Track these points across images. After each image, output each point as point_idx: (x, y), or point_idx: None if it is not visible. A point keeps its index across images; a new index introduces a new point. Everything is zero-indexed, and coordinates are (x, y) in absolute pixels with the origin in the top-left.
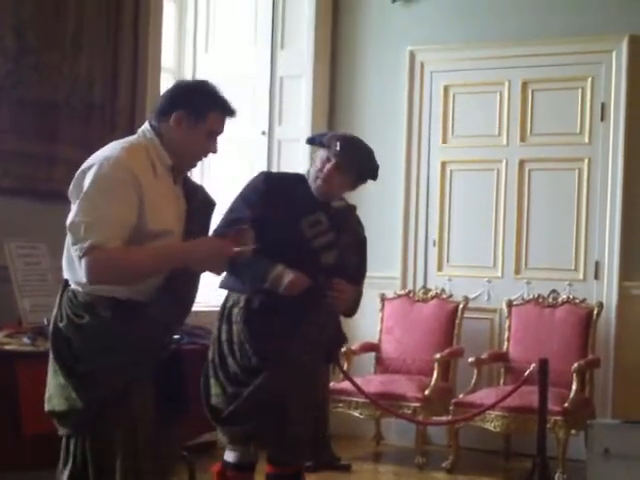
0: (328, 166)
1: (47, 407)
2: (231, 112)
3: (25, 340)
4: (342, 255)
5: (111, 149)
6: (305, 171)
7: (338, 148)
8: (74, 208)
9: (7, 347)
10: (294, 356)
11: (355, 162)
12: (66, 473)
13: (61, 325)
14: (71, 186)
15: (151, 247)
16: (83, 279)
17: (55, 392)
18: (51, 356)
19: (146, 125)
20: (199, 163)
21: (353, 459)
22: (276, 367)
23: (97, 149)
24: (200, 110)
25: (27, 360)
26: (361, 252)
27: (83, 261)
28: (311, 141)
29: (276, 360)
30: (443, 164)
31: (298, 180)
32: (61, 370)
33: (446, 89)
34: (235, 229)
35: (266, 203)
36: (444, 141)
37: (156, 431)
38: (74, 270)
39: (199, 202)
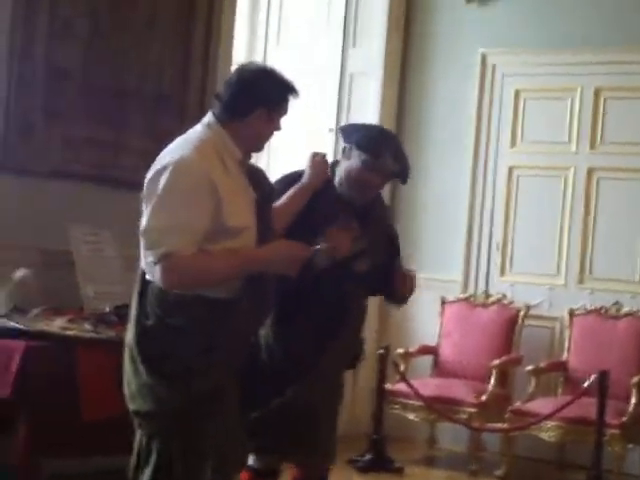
0: (376, 181)
1: (131, 407)
2: (297, 92)
3: (87, 326)
4: (375, 259)
5: (182, 148)
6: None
7: (393, 167)
8: (147, 212)
9: (68, 333)
10: (324, 366)
11: (405, 174)
12: (148, 473)
13: (148, 324)
14: (145, 188)
15: (226, 253)
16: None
17: (139, 392)
18: (131, 355)
19: (211, 118)
20: (266, 158)
21: (406, 462)
22: (307, 378)
23: (165, 139)
24: (279, 103)
25: (88, 346)
26: (393, 242)
27: (157, 268)
28: (351, 139)
29: (308, 370)
30: (510, 169)
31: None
32: (149, 370)
33: (517, 93)
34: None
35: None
36: (512, 145)
37: (240, 426)
38: (155, 269)
39: (264, 187)
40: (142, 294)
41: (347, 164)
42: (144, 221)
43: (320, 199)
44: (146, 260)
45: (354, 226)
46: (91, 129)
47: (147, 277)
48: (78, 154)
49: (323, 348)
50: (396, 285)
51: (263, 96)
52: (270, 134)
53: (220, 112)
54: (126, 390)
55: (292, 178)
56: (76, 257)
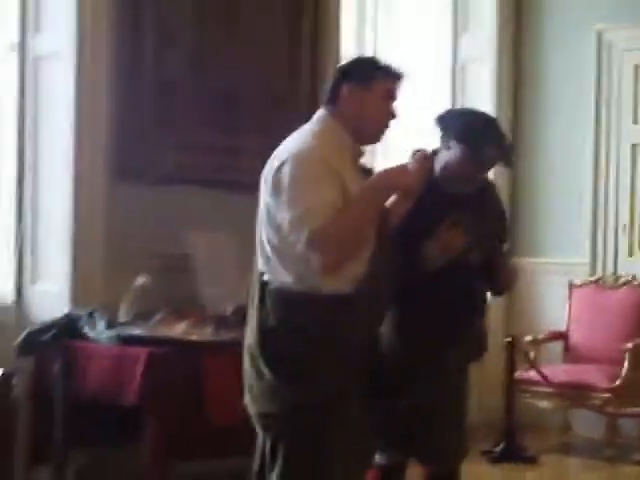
0: (478, 171)
1: (255, 408)
2: (396, 74)
3: (208, 330)
4: (487, 249)
5: (298, 142)
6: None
7: (494, 155)
8: (282, 208)
9: (191, 337)
10: (448, 362)
11: (508, 158)
12: (275, 475)
13: (269, 326)
14: (267, 185)
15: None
16: (284, 275)
17: (263, 394)
18: (252, 358)
19: (322, 112)
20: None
21: (540, 451)
22: (433, 375)
23: (279, 139)
24: (365, 75)
25: (210, 350)
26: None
27: (311, 254)
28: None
29: (433, 367)
30: (633, 146)
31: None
32: (273, 372)
33: (637, 68)
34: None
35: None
36: (635, 122)
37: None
38: (278, 270)
39: None
40: (261, 297)
41: (447, 155)
42: (281, 218)
43: (426, 196)
44: (268, 253)
45: (462, 220)
46: (205, 134)
47: (265, 278)
48: (193, 159)
49: (447, 344)
50: (501, 275)
51: (346, 73)
52: (379, 115)
53: (325, 104)
54: (247, 393)
55: None
56: (195, 260)
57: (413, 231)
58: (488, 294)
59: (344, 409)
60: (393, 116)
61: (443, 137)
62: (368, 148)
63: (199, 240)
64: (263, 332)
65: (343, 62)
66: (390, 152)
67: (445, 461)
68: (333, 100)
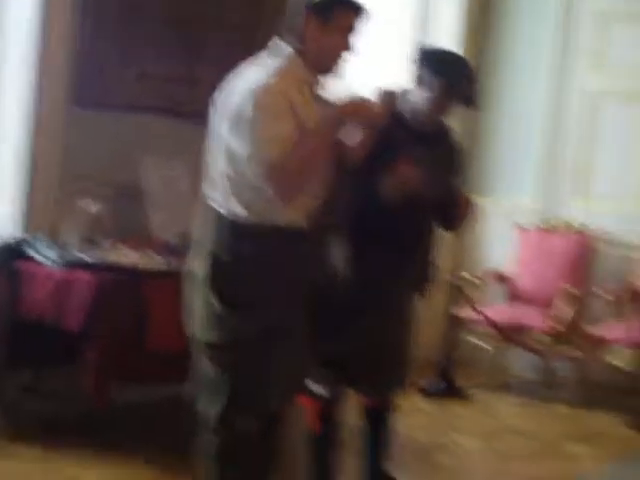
0: (451, 106)
1: (202, 337)
2: (357, 7)
3: (154, 257)
4: (442, 184)
5: (261, 75)
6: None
7: (469, 92)
8: (242, 140)
9: (136, 264)
10: (400, 295)
11: (478, 98)
12: (218, 403)
13: (218, 254)
14: (229, 118)
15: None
16: (236, 205)
17: (210, 323)
18: (201, 286)
19: (278, 42)
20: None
21: (475, 388)
22: (382, 308)
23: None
24: (325, 7)
25: (155, 277)
26: (458, 164)
27: (269, 184)
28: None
29: (380, 301)
30: (591, 92)
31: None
32: (220, 301)
33: (600, 14)
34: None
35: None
36: (594, 68)
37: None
38: (230, 199)
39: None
40: (213, 225)
41: (422, 91)
42: (242, 149)
43: (389, 132)
44: (226, 184)
45: (423, 157)
46: (164, 64)
47: (221, 211)
48: (152, 88)
49: (397, 277)
50: (457, 208)
51: (311, 5)
52: (336, 48)
53: (285, 36)
54: (192, 321)
55: None
56: (146, 188)
57: (375, 166)
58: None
59: (288, 339)
60: (351, 50)
61: (418, 73)
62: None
63: (153, 168)
64: (214, 262)
65: None
66: (353, 87)
67: (386, 393)
68: (294, 33)
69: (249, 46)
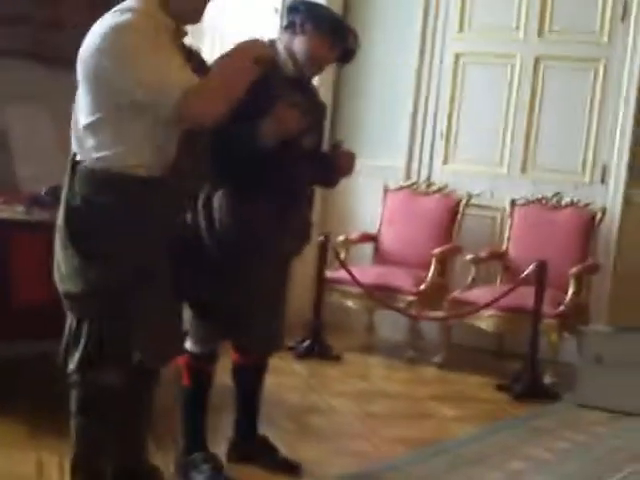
0: (330, 58)
1: (61, 289)
2: None
3: (20, 209)
4: (319, 136)
5: (116, 17)
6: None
7: (354, 46)
8: (124, 73)
9: (1, 215)
10: (281, 249)
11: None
12: (77, 355)
13: (75, 204)
14: (84, 61)
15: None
16: (94, 154)
17: (70, 274)
18: (61, 237)
19: None
20: (210, 41)
21: (344, 350)
22: (264, 260)
23: (105, 12)
24: None
25: (21, 229)
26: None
27: (186, 109)
28: (314, 18)
29: (262, 253)
30: (457, 55)
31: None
32: (78, 252)
33: None
34: None
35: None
36: (459, 31)
37: (172, 310)
38: (89, 147)
39: (196, 65)
40: (72, 175)
41: (304, 41)
42: (128, 93)
43: (267, 78)
44: (81, 130)
45: (300, 102)
46: (25, 6)
47: (77, 158)
48: (13, 31)
49: (279, 231)
50: (337, 164)
51: None
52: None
53: None
54: (56, 273)
55: None
56: (11, 137)
57: (252, 111)
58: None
59: (146, 290)
60: None
61: (294, 23)
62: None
63: (16, 116)
64: (68, 210)
65: None
66: (223, 39)
67: (263, 349)
68: None
69: None
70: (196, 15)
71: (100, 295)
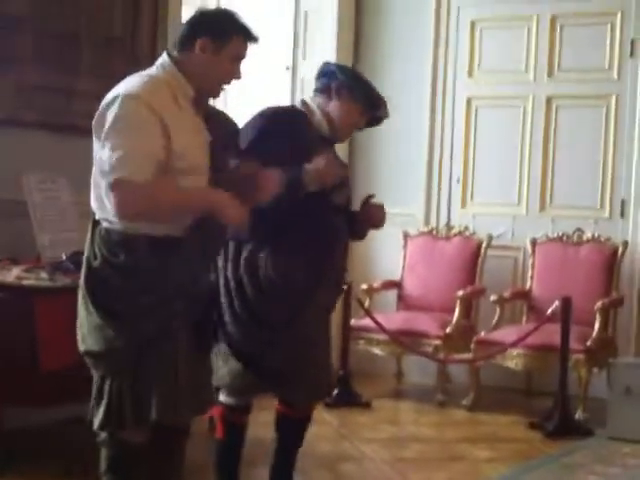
0: (361, 124)
1: (82, 348)
2: (253, 37)
3: (43, 275)
4: (349, 192)
5: (130, 84)
6: (300, 103)
7: (384, 115)
8: (99, 146)
9: (25, 282)
10: (323, 301)
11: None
12: (101, 411)
13: (95, 264)
14: (94, 122)
15: (179, 188)
16: (110, 215)
17: (90, 332)
18: (83, 296)
19: (164, 57)
20: (221, 98)
21: (373, 396)
22: (307, 314)
23: (118, 81)
24: (223, 35)
25: (45, 295)
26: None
27: (111, 195)
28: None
29: (306, 306)
30: (469, 100)
31: (302, 115)
32: (97, 310)
33: (473, 24)
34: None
35: (286, 141)
36: (470, 76)
37: (196, 366)
38: (106, 208)
39: (222, 130)
40: (92, 235)
41: (338, 106)
42: (97, 155)
43: (302, 133)
44: (100, 192)
45: (336, 159)
46: (42, 75)
47: (95, 217)
48: (30, 101)
49: (324, 283)
50: (369, 216)
51: (206, 26)
52: (225, 76)
53: (172, 49)
54: (78, 332)
55: (285, 116)
56: (30, 205)
57: (290, 160)
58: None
59: (163, 350)
60: (237, 78)
61: (336, 87)
62: None
63: (34, 185)
64: (88, 270)
65: (203, 11)
66: (234, 96)
67: (309, 400)
68: (183, 48)
69: (129, 58)
70: (217, 93)
71: (118, 353)
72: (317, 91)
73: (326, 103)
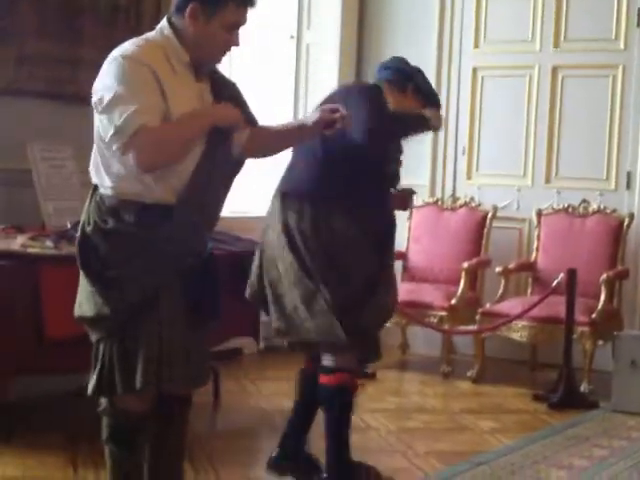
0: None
1: (77, 312)
2: (250, 1)
3: (48, 243)
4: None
5: (125, 47)
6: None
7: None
8: (106, 108)
9: (30, 250)
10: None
11: None
12: (94, 376)
13: (88, 231)
14: (95, 84)
15: (181, 117)
16: (109, 183)
17: (84, 298)
18: (79, 262)
19: (164, 22)
20: (225, 63)
21: (378, 367)
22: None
23: None
24: (213, 3)
25: (50, 263)
26: None
27: (131, 148)
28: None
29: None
30: (474, 70)
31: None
32: (88, 276)
33: None
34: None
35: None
36: (476, 46)
37: (186, 336)
38: (101, 174)
39: (226, 99)
40: (89, 202)
41: (406, 102)
42: (99, 117)
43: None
44: (98, 159)
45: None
46: (45, 45)
47: (95, 185)
48: (33, 71)
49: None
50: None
51: None
52: (222, 45)
53: (171, 14)
54: (77, 298)
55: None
56: (35, 174)
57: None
58: None
59: (150, 317)
60: (235, 45)
61: (408, 84)
62: None
63: (39, 154)
64: (82, 237)
65: None
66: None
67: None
68: (178, 13)
69: (133, 27)
70: (216, 59)
71: (107, 320)
72: (390, 82)
73: (396, 95)
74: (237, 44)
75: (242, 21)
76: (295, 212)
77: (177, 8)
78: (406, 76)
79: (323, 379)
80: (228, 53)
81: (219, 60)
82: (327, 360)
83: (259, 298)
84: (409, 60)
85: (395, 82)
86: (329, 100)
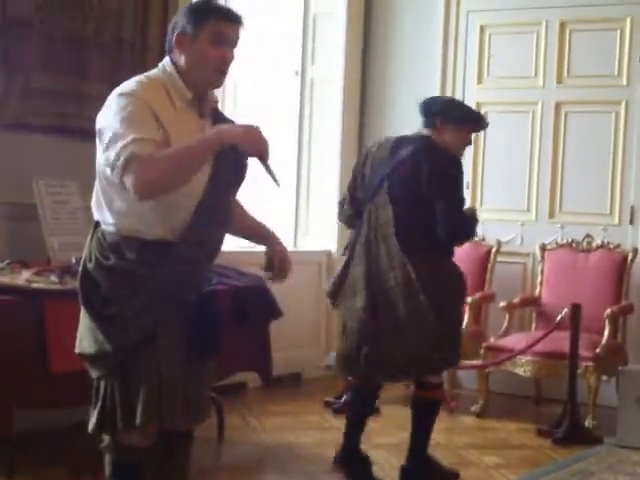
0: (470, 140)
1: (77, 349)
2: (229, 14)
3: (52, 278)
4: None
5: (126, 84)
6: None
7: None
8: (107, 144)
9: (35, 285)
10: None
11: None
12: (95, 414)
13: (89, 267)
14: (97, 122)
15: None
16: (111, 219)
17: (84, 334)
18: (80, 298)
19: (166, 59)
20: (230, 102)
21: (382, 402)
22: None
23: None
24: (194, 22)
25: (55, 298)
26: None
27: (126, 176)
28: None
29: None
30: (478, 105)
31: None
32: (89, 312)
33: (482, 29)
34: None
35: None
36: (479, 82)
37: (186, 372)
38: (103, 211)
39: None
40: (91, 238)
41: (454, 135)
42: (99, 153)
43: None
44: (100, 196)
45: None
46: (51, 80)
47: (96, 221)
48: (39, 105)
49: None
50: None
51: (179, 21)
52: (214, 62)
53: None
54: (77, 333)
55: None
56: (40, 209)
57: None
58: None
59: (148, 356)
60: (226, 57)
61: (432, 122)
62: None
63: (44, 189)
64: (83, 273)
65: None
66: (243, 101)
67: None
68: (171, 52)
69: (138, 62)
70: (215, 81)
71: (108, 357)
72: (425, 126)
73: (438, 134)
74: (229, 57)
75: (230, 35)
76: None
77: (169, 49)
78: (428, 112)
79: (423, 393)
80: (227, 76)
81: (217, 81)
82: (429, 378)
83: None
84: (413, 96)
85: (428, 124)
86: (394, 155)
